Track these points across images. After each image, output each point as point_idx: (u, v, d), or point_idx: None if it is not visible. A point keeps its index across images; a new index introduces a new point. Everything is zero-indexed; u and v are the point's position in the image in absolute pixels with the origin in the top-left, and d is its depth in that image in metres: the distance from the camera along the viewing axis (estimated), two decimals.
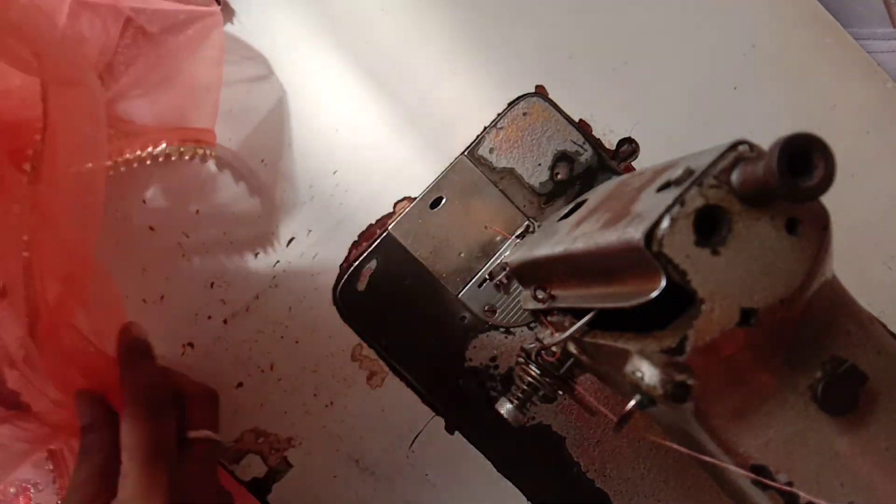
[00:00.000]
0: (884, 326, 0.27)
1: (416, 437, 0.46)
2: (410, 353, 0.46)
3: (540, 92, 0.47)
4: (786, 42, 0.48)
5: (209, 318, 0.45)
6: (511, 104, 0.47)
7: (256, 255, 0.45)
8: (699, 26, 0.48)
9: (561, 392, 0.34)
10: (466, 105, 0.47)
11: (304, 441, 0.45)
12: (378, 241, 0.46)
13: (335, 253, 0.46)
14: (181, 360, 0.45)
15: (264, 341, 0.45)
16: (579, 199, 0.39)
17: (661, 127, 0.47)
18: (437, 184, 0.46)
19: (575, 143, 0.47)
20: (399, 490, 0.46)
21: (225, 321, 0.45)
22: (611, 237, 0.24)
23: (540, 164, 0.46)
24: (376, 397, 0.46)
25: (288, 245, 0.46)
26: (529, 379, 0.35)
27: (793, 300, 0.23)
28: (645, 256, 0.22)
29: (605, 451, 0.46)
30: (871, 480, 0.25)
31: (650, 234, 0.22)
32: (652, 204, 0.23)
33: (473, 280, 0.46)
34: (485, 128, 0.46)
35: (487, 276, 0.45)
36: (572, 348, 0.32)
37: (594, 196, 0.35)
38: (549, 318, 0.34)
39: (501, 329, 0.46)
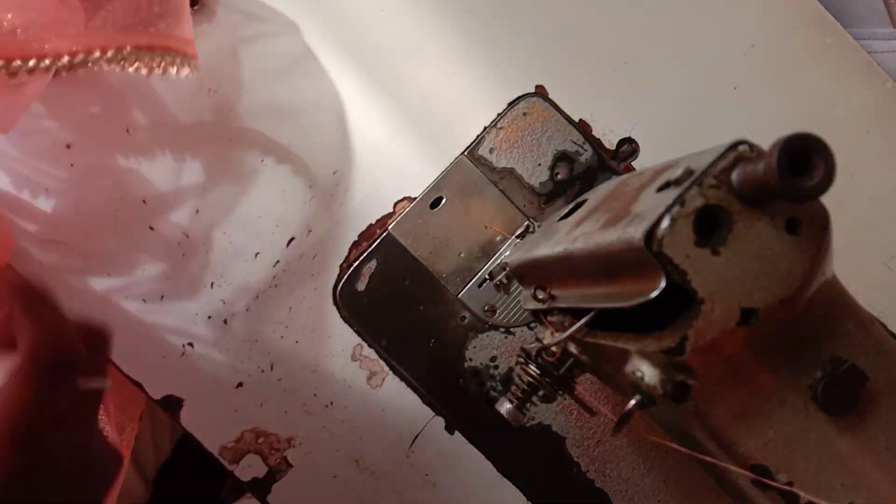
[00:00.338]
0: (884, 326, 0.27)
1: (416, 437, 0.46)
2: (410, 353, 0.46)
3: (540, 92, 0.47)
4: (786, 42, 0.48)
5: (209, 318, 0.45)
6: (511, 104, 0.47)
7: (256, 255, 0.45)
8: (699, 26, 0.48)
9: (561, 392, 0.34)
10: (466, 105, 0.47)
11: (304, 441, 0.45)
12: (378, 241, 0.46)
13: (335, 253, 0.46)
14: (181, 360, 0.45)
15: (264, 341, 0.45)
16: (579, 199, 0.39)
17: (661, 127, 0.47)
18: (437, 184, 0.46)
19: (575, 143, 0.47)
20: (399, 490, 0.46)
21: (225, 321, 0.45)
22: (611, 237, 0.24)
23: (540, 164, 0.46)
24: (376, 397, 0.46)
25: (288, 245, 0.46)
26: (529, 379, 0.35)
27: (793, 300, 0.23)
28: (645, 256, 0.22)
29: (605, 451, 0.46)
30: (871, 480, 0.25)
31: (650, 234, 0.22)
32: (652, 204, 0.23)
33: (473, 280, 0.46)
34: (485, 128, 0.46)
35: (487, 276, 0.45)
36: (572, 348, 0.32)
37: (594, 196, 0.35)
38: (549, 318, 0.34)
39: (501, 329, 0.46)
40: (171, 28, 0.35)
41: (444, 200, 0.46)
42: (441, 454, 0.46)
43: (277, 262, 0.45)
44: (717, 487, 0.32)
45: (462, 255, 0.46)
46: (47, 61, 0.31)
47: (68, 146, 0.44)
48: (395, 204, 0.46)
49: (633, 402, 0.24)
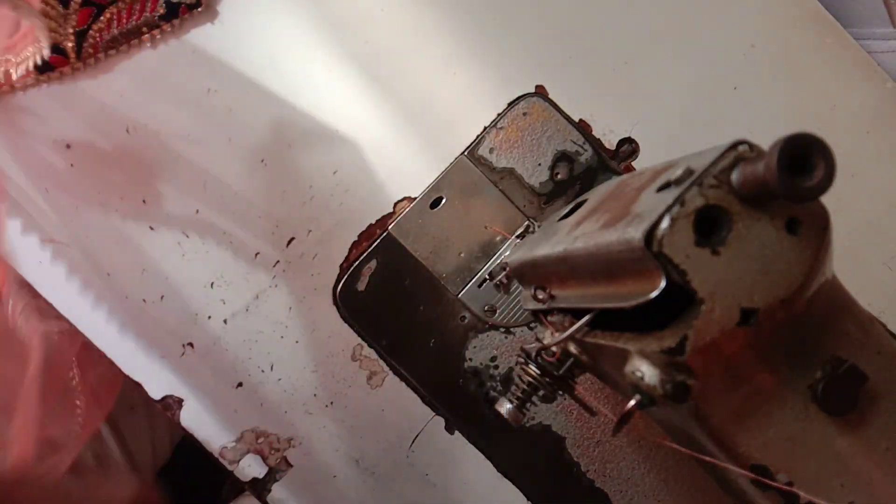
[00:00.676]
0: (884, 326, 0.27)
1: (416, 437, 0.46)
2: (410, 353, 0.46)
3: (540, 92, 0.47)
4: (786, 42, 0.48)
5: (209, 318, 0.45)
6: (511, 104, 0.47)
7: (256, 255, 0.45)
8: (699, 26, 0.48)
9: (561, 392, 0.34)
10: (466, 105, 0.47)
11: (304, 441, 0.45)
12: (378, 241, 0.46)
13: (335, 253, 0.46)
14: (181, 360, 0.45)
15: (264, 341, 0.45)
16: (579, 199, 0.39)
17: (661, 127, 0.47)
18: (437, 184, 0.46)
19: (575, 143, 0.47)
20: (399, 490, 0.46)
21: (225, 321, 0.45)
22: (611, 237, 0.24)
23: (540, 164, 0.46)
24: (376, 397, 0.46)
25: (288, 245, 0.46)
26: (529, 379, 0.35)
27: (793, 300, 0.23)
28: (645, 256, 0.22)
29: (605, 451, 0.46)
30: (871, 480, 0.25)
31: (650, 234, 0.22)
32: (652, 204, 0.23)
33: (473, 280, 0.46)
34: (485, 128, 0.46)
35: (487, 276, 0.45)
36: (572, 348, 0.32)
37: (594, 196, 0.35)
38: (549, 318, 0.34)
39: (501, 329, 0.46)
40: None
41: (444, 200, 0.46)
42: (441, 454, 0.46)
43: (277, 262, 0.45)
44: (717, 487, 0.32)
45: (462, 255, 0.46)
46: None
47: (68, 146, 0.44)
48: (395, 204, 0.46)
49: (633, 402, 0.24)
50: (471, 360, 0.46)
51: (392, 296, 0.46)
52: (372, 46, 0.46)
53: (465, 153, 0.46)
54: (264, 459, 0.45)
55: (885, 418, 0.25)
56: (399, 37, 0.47)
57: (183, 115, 0.45)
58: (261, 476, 0.45)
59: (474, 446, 0.46)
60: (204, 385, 0.45)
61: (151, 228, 0.45)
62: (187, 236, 0.45)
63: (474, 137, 0.46)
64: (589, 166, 0.47)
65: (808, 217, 0.23)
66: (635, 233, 0.22)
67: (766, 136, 0.21)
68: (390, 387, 0.46)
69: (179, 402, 0.45)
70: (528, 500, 0.46)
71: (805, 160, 0.20)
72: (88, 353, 0.44)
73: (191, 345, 0.45)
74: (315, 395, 0.46)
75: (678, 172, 0.23)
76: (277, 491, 0.45)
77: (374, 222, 0.46)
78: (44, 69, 0.43)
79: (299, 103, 0.46)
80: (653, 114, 0.47)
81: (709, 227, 0.22)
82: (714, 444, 0.26)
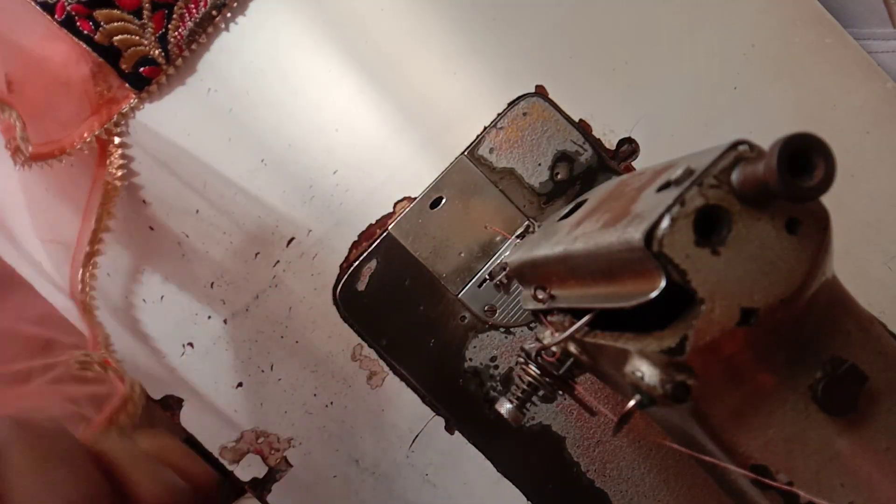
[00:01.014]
0: (884, 326, 0.27)
1: (416, 437, 0.46)
2: (410, 353, 0.46)
3: (540, 92, 0.47)
4: (786, 42, 0.48)
5: (209, 318, 0.45)
6: (511, 104, 0.47)
7: (256, 255, 0.45)
8: (699, 26, 0.48)
9: (561, 392, 0.34)
10: (466, 105, 0.47)
11: (304, 441, 0.45)
12: (378, 241, 0.46)
13: (335, 253, 0.46)
14: (181, 360, 0.45)
15: (264, 341, 0.45)
16: (579, 199, 0.39)
17: (661, 127, 0.47)
18: (437, 184, 0.46)
19: (575, 143, 0.47)
20: (399, 490, 0.46)
21: (225, 321, 0.45)
22: (611, 237, 0.24)
23: (540, 164, 0.46)
24: (376, 397, 0.46)
25: (288, 245, 0.46)
26: (529, 379, 0.35)
27: (793, 300, 0.23)
28: (645, 256, 0.22)
29: (605, 451, 0.46)
30: (871, 480, 0.25)
31: (650, 234, 0.22)
32: (652, 204, 0.23)
33: (473, 280, 0.46)
34: (485, 128, 0.46)
35: (487, 276, 0.45)
36: (572, 348, 0.32)
37: (594, 196, 0.35)
38: (549, 318, 0.34)
39: (501, 329, 0.46)
40: None
41: (444, 200, 0.46)
42: (441, 454, 0.46)
43: (277, 262, 0.45)
44: (717, 487, 0.32)
45: (462, 255, 0.46)
46: None
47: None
48: (395, 204, 0.46)
49: (633, 402, 0.24)
50: (471, 360, 0.46)
51: (392, 296, 0.46)
52: (372, 46, 0.46)
53: (465, 153, 0.46)
54: (264, 459, 0.45)
55: (885, 418, 0.25)
56: (399, 36, 0.47)
57: (183, 114, 0.45)
58: (261, 476, 0.45)
59: (474, 446, 0.46)
60: (204, 385, 0.45)
61: (151, 228, 0.45)
62: (187, 236, 0.45)
63: (474, 137, 0.46)
64: (589, 166, 0.47)
65: (808, 217, 0.23)
66: (635, 233, 0.22)
67: (766, 136, 0.21)
68: (390, 387, 0.46)
69: (179, 402, 0.45)
70: (528, 500, 0.46)
71: (805, 160, 0.20)
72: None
73: (191, 345, 0.45)
74: (315, 394, 0.46)
75: (678, 172, 0.23)
76: (277, 491, 0.45)
77: (374, 222, 0.46)
78: (140, 84, 0.43)
79: (299, 103, 0.46)
80: (653, 114, 0.47)
81: (709, 227, 0.22)
82: (714, 444, 0.26)
